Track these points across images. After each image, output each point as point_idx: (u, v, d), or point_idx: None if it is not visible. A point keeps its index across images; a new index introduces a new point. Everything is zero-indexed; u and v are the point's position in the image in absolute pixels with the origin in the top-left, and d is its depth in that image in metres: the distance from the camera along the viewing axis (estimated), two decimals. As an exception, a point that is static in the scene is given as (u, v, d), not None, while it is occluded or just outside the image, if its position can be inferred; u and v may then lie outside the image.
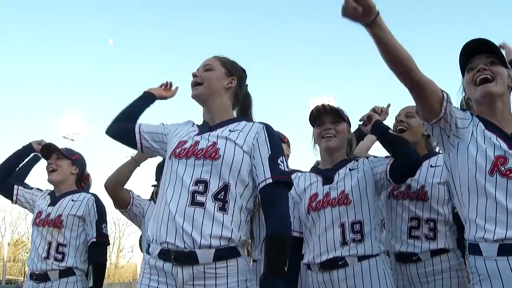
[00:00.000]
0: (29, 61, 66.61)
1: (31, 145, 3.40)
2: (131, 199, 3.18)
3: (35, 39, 66.42)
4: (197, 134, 2.11)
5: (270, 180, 1.93)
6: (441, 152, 2.79)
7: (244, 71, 2.31)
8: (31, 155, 3.47)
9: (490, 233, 1.76)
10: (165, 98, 2.61)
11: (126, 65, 73.04)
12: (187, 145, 2.05)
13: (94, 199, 3.15)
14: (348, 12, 1.62)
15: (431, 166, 2.63)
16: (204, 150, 1.98)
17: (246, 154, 1.99)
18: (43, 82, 66.14)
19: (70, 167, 3.26)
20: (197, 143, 2.04)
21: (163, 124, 2.33)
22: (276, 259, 1.83)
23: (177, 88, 2.69)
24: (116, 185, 3.07)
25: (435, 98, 1.87)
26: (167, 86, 2.64)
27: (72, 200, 3.13)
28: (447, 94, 1.91)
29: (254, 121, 2.18)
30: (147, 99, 2.51)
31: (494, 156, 1.82)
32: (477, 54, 1.98)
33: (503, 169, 1.79)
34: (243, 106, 2.28)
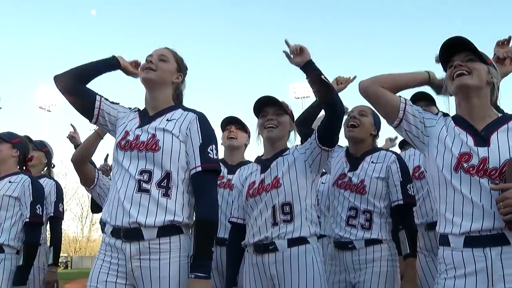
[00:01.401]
0: (5, 31, 64.96)
1: None
2: (96, 179, 3.32)
3: (13, 8, 64.68)
4: (138, 127, 2.23)
5: (200, 168, 2.11)
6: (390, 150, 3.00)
7: (187, 69, 2.42)
8: None
9: (457, 226, 1.85)
10: (129, 74, 2.56)
11: (108, 37, 71.88)
12: (130, 138, 2.19)
13: (30, 180, 3.21)
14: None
15: (372, 162, 2.78)
16: (145, 143, 2.14)
17: (182, 143, 2.15)
18: (20, 52, 64.73)
19: (10, 150, 3.31)
20: (138, 137, 2.17)
21: (118, 106, 2.40)
22: (203, 241, 2.03)
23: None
24: (81, 159, 3.19)
25: (391, 103, 2.06)
26: (137, 65, 2.58)
27: (10, 182, 3.18)
28: (404, 98, 2.05)
29: (190, 109, 2.29)
30: (110, 65, 2.49)
31: (459, 153, 1.90)
32: (457, 52, 2.04)
33: (466, 165, 1.86)
34: (178, 99, 2.39)
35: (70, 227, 45.87)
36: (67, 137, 3.84)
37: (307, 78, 2.50)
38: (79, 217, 45.90)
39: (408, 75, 2.22)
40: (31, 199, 3.15)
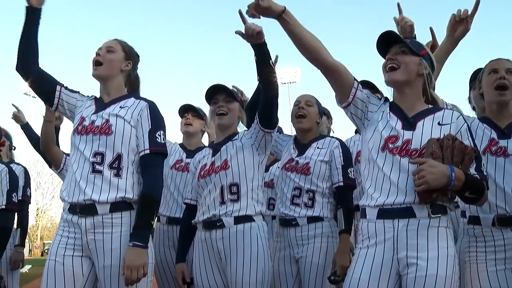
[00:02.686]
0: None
1: None
2: (63, 164, 3.58)
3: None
4: (94, 113, 2.45)
5: (148, 151, 2.36)
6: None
7: (138, 56, 2.63)
8: None
9: (374, 200, 2.06)
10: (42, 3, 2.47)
11: (93, 19, 70.94)
12: (86, 123, 2.41)
13: (7, 170, 3.44)
14: (252, 14, 2.10)
15: (317, 147, 3.02)
16: (99, 127, 2.37)
17: (133, 128, 2.38)
18: (3, 37, 63.74)
19: None
20: (93, 121, 2.40)
21: (77, 95, 2.59)
22: (145, 215, 2.29)
23: None
24: (44, 146, 3.44)
25: (345, 84, 2.18)
26: None
27: None
28: (358, 82, 2.20)
29: (142, 97, 2.52)
30: (34, 14, 2.45)
31: (387, 135, 2.10)
32: (394, 43, 2.20)
33: (391, 146, 2.07)
34: (133, 86, 2.61)
35: (57, 214, 45.66)
36: (11, 117, 3.97)
37: (255, 57, 2.59)
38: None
39: None
40: (8, 188, 3.39)
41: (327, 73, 2.19)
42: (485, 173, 2.11)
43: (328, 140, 3.08)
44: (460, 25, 2.34)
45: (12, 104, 3.97)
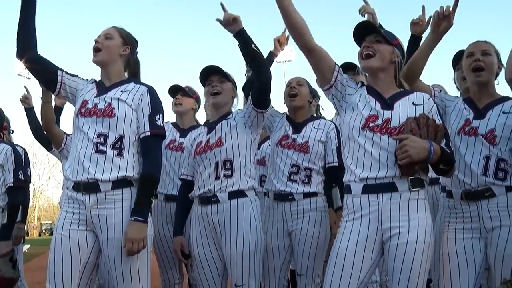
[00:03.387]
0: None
1: None
2: (64, 144, 3.73)
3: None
4: (96, 96, 2.57)
5: (148, 133, 2.50)
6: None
7: (136, 41, 2.74)
8: None
9: (357, 175, 2.22)
10: None
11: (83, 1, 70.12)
12: (89, 106, 2.54)
13: (12, 149, 3.59)
14: None
15: (314, 127, 3.17)
16: (102, 110, 2.50)
17: (134, 111, 2.51)
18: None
19: None
20: (96, 104, 2.53)
21: (77, 79, 2.70)
22: (145, 193, 2.46)
23: None
24: (45, 126, 3.62)
25: (326, 67, 2.32)
26: None
27: None
28: (339, 66, 2.35)
29: (141, 82, 2.64)
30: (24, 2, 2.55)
31: (368, 115, 2.26)
32: (368, 33, 2.39)
33: (372, 125, 2.23)
34: (133, 69, 2.72)
35: (54, 194, 46.02)
36: (19, 99, 4.09)
37: (238, 45, 2.76)
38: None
39: None
40: (14, 166, 3.55)
41: (310, 55, 2.32)
42: (453, 150, 2.31)
43: (323, 122, 3.22)
44: (443, 21, 2.46)
45: (24, 86, 4.08)
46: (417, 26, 2.88)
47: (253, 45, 2.73)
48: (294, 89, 3.19)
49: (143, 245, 2.37)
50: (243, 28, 2.70)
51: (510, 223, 2.34)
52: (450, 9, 2.43)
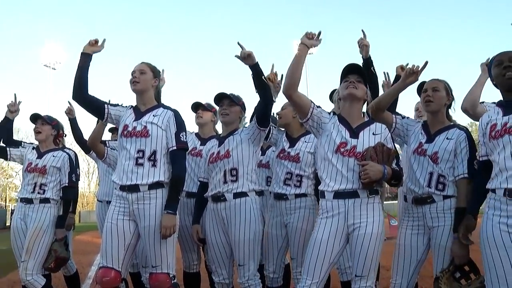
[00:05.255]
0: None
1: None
2: (106, 154, 4.50)
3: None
4: (134, 120, 3.40)
5: (175, 147, 3.34)
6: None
7: (159, 72, 3.58)
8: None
9: (330, 186, 2.92)
10: (98, 51, 3.45)
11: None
12: (130, 129, 3.38)
13: (68, 156, 4.41)
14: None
15: (305, 141, 3.85)
16: (140, 132, 3.35)
17: (163, 131, 3.35)
18: (26, 8, 63.95)
19: (50, 130, 4.46)
20: (135, 127, 3.38)
21: (119, 107, 3.54)
22: (175, 192, 3.29)
23: (104, 40, 3.47)
24: (93, 142, 4.38)
25: (305, 106, 3.01)
26: (96, 42, 3.44)
27: (53, 156, 4.39)
28: (314, 104, 3.02)
29: (168, 107, 3.47)
30: (84, 61, 3.37)
31: (339, 142, 2.95)
32: (352, 73, 3.07)
33: (342, 150, 2.93)
34: (159, 95, 3.57)
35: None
36: (65, 111, 4.74)
37: (251, 74, 3.42)
38: (86, 173, 46.27)
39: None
40: (69, 170, 4.38)
41: (292, 99, 2.99)
42: (401, 167, 3.06)
43: (313, 136, 3.82)
44: (411, 76, 3.05)
45: (68, 101, 4.64)
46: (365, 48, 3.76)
47: (263, 77, 3.44)
48: (280, 112, 3.92)
49: (173, 231, 3.19)
50: (257, 62, 3.39)
51: (445, 223, 3.05)
52: (419, 68, 3.06)
